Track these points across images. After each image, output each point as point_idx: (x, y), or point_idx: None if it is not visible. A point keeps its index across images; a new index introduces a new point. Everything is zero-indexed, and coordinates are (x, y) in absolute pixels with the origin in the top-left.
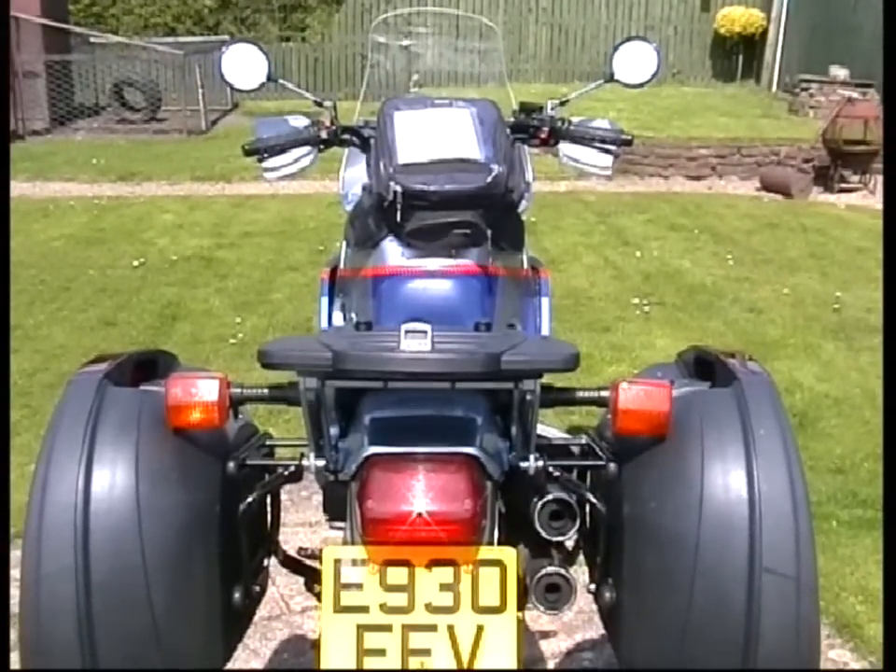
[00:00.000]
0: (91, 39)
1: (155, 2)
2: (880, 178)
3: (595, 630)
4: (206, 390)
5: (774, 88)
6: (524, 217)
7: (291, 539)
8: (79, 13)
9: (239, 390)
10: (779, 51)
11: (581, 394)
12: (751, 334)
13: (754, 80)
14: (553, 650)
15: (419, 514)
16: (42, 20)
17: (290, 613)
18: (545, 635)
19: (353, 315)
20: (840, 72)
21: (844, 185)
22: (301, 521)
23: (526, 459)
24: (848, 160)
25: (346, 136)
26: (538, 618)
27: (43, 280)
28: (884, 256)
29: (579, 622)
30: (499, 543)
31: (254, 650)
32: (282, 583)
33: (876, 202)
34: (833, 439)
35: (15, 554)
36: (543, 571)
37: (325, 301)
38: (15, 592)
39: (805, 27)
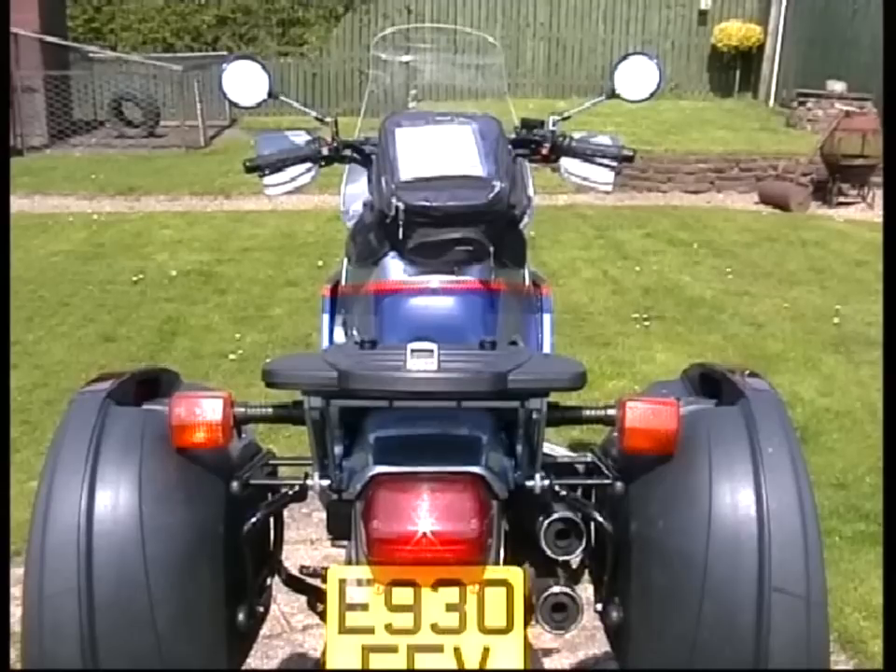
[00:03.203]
0: (90, 55)
1: (154, 18)
2: (878, 192)
3: (598, 647)
4: (210, 409)
5: (771, 101)
6: (525, 233)
7: (292, 556)
8: (78, 29)
9: (243, 409)
10: (777, 65)
11: (587, 412)
12: (752, 348)
13: (752, 94)
14: (555, 667)
15: (424, 534)
16: (41, 35)
17: (291, 631)
18: (547, 652)
19: (355, 332)
20: (837, 85)
21: (842, 198)
22: (302, 538)
23: (532, 478)
24: (846, 173)
25: (347, 152)
26: (540, 635)
27: (42, 295)
28: (884, 269)
29: (581, 638)
30: (505, 562)
31: (255, 668)
32: (283, 601)
33: (875, 215)
34: (835, 453)
35: (15, 572)
36: (550, 591)
37: (326, 317)
38: (14, 609)
39: (803, 41)
